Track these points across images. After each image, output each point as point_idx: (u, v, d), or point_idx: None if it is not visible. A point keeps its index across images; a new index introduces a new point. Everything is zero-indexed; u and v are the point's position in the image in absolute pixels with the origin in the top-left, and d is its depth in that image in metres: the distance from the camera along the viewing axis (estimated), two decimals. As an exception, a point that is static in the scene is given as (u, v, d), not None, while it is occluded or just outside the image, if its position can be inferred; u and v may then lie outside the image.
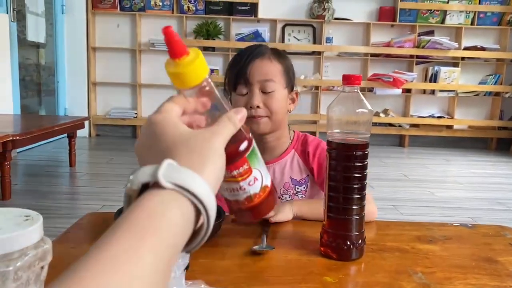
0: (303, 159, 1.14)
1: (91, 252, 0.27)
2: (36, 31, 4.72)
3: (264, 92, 1.05)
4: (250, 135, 0.48)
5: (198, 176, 0.34)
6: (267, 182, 0.51)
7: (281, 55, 1.11)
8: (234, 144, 0.45)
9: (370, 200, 0.95)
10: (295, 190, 1.14)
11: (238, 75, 1.06)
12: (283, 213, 0.93)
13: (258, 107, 1.04)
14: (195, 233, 0.35)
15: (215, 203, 0.35)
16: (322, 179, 0.89)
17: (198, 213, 0.34)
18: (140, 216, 0.30)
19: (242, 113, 0.44)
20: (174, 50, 0.41)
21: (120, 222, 0.30)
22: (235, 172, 0.47)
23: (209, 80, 0.44)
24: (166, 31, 0.41)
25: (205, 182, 0.34)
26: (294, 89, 1.14)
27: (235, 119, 0.43)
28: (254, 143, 0.48)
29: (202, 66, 0.43)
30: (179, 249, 0.32)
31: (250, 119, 1.05)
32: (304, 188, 1.14)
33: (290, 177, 1.13)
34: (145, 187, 0.34)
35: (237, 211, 0.51)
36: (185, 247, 0.34)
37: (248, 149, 0.47)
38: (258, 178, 0.49)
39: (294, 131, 1.20)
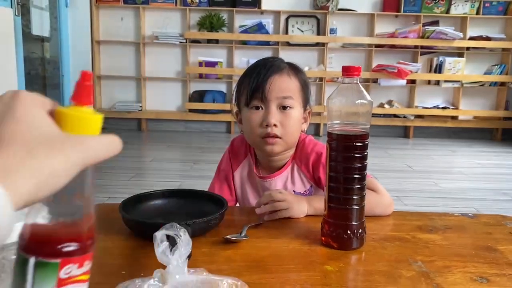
0: (304, 170, 1.09)
1: None
2: (40, 25, 4.73)
3: (281, 109, 1.02)
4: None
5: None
6: None
7: (298, 70, 1.08)
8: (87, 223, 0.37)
9: (384, 192, 0.94)
10: None
11: (255, 90, 1.02)
12: (302, 207, 0.90)
13: (274, 125, 1.01)
14: None
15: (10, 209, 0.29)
16: None
17: None
18: None
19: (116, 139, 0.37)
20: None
21: None
22: (86, 267, 0.36)
23: None
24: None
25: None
26: (308, 107, 1.10)
27: (116, 141, 0.36)
28: None
29: None
30: None
31: (264, 140, 1.02)
32: None
33: (294, 191, 1.08)
34: None
35: None
36: None
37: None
38: None
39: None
